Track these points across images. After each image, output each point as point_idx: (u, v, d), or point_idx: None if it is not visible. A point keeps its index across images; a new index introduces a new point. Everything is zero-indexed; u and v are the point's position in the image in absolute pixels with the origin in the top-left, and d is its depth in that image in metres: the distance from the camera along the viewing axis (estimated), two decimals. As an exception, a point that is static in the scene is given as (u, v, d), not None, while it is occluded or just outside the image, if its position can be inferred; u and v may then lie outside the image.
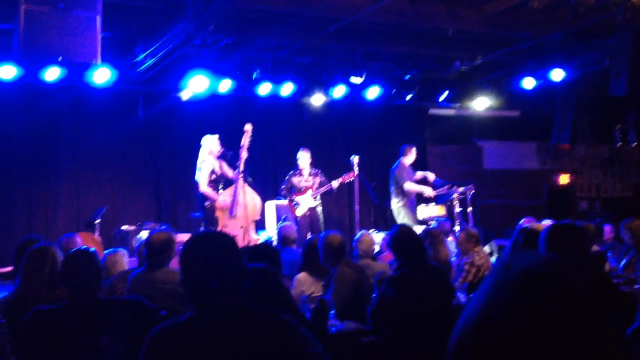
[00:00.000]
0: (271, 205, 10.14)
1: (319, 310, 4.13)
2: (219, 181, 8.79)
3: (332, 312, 4.52)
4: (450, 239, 8.03)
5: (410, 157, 10.25)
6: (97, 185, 10.43)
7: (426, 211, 10.13)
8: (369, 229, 8.47)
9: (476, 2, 8.64)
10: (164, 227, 5.55)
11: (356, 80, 10.13)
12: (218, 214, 8.67)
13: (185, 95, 10.20)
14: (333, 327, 4.38)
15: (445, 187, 10.31)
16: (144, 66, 9.12)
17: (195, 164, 8.83)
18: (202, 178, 8.62)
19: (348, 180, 9.57)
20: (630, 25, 8.06)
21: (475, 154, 13.58)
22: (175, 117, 10.87)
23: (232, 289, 2.28)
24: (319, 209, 9.71)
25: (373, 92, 10.95)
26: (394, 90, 11.07)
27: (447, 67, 10.88)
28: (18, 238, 6.39)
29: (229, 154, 8.72)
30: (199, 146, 8.84)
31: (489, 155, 13.62)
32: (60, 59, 7.05)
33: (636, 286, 5.35)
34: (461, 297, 5.18)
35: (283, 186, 9.75)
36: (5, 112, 9.85)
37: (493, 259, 6.96)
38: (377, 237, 8.44)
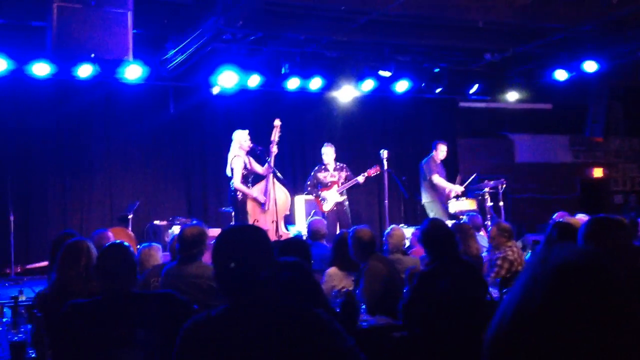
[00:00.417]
0: (300, 200, 10.16)
1: (347, 304, 4.13)
2: (249, 176, 8.83)
3: (363, 307, 4.52)
4: (481, 233, 7.96)
5: (441, 153, 10.19)
6: (129, 180, 10.56)
7: (457, 205, 10.05)
8: (399, 224, 8.44)
9: (507, -7, 8.53)
10: (195, 222, 5.61)
11: (385, 73, 10.08)
12: (249, 208, 8.72)
13: (215, 90, 10.26)
14: (364, 322, 4.38)
15: (472, 177, 10.23)
16: (174, 62, 9.20)
17: (226, 158, 8.88)
18: (235, 173, 8.67)
19: (374, 174, 9.52)
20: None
21: (507, 148, 13.44)
22: (205, 113, 10.96)
23: (265, 282, 2.28)
24: (346, 203, 9.69)
25: (402, 86, 10.89)
26: (424, 83, 11.00)
27: (478, 59, 10.77)
28: (53, 233, 6.51)
29: (258, 149, 8.75)
30: (229, 141, 8.90)
31: (520, 148, 13.47)
32: (92, 55, 7.16)
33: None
34: (494, 292, 5.13)
35: (308, 182, 9.74)
36: (39, 109, 10.01)
37: (526, 254, 6.88)
38: (407, 232, 8.41)
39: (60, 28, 6.69)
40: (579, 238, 3.27)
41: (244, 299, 2.25)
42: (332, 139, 10.26)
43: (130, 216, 9.50)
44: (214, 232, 6.57)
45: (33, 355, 3.38)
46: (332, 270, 5.31)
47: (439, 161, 10.21)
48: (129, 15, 6.86)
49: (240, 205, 8.71)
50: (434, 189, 9.99)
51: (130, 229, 9.28)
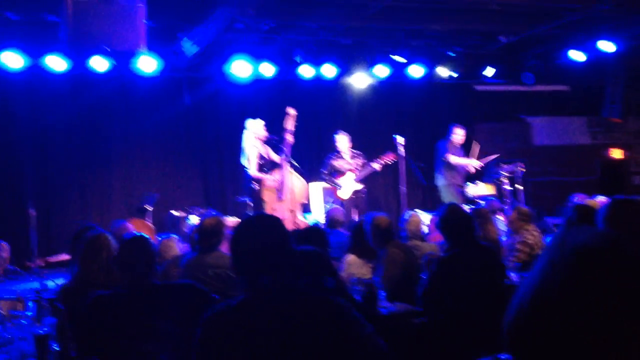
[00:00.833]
0: (317, 188, 10.16)
1: (368, 294, 4.13)
2: (265, 165, 8.85)
3: (382, 294, 4.52)
4: (500, 217, 7.92)
5: (458, 137, 10.13)
6: (147, 172, 10.63)
7: (475, 190, 10.00)
8: (416, 210, 8.42)
9: (521, -26, 8.43)
10: (213, 212, 5.64)
11: (399, 59, 10.02)
12: (266, 197, 8.74)
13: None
14: (384, 308, 4.39)
15: (493, 156, 10.16)
16: (188, 53, 9.21)
17: (241, 147, 8.90)
18: (251, 162, 8.69)
19: (391, 161, 9.46)
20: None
21: (524, 131, 13.32)
22: (220, 102, 10.98)
23: (283, 271, 2.29)
24: (364, 191, 9.67)
25: (417, 71, 10.83)
26: (439, 67, 10.92)
27: (493, 42, 10.67)
28: (74, 226, 6.55)
29: (274, 139, 8.76)
30: (243, 130, 8.91)
31: (538, 131, 13.35)
32: (107, 48, 7.19)
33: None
34: (513, 276, 5.11)
35: (324, 170, 9.73)
36: (56, 103, 10.09)
37: (546, 237, 6.84)
38: (425, 218, 8.38)
39: (74, 22, 6.71)
40: (599, 220, 3.24)
41: (262, 288, 2.26)
42: (347, 126, 10.23)
43: (148, 207, 9.57)
44: (232, 221, 6.61)
45: (57, 348, 3.43)
46: (351, 257, 5.31)
47: (456, 144, 10.15)
48: (142, 7, 6.87)
49: (257, 195, 8.73)
50: (450, 172, 9.93)
51: (149, 220, 9.35)
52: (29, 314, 3.92)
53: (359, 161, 9.58)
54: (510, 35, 10.32)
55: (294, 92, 10.87)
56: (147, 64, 9.12)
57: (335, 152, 9.67)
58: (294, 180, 8.76)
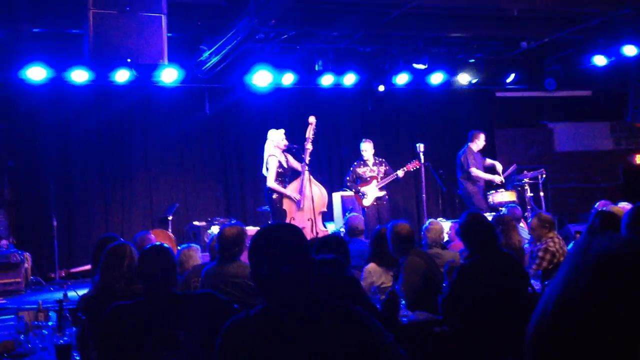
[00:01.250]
0: (337, 197, 10.15)
1: (389, 302, 4.10)
2: (286, 174, 8.86)
3: (403, 302, 4.49)
4: (522, 225, 7.84)
5: (478, 143, 10.07)
6: (168, 182, 10.71)
7: (496, 197, 9.93)
8: (437, 218, 8.37)
9: (542, -20, 8.38)
10: (234, 221, 5.65)
11: (420, 66, 10.01)
12: (286, 207, 8.75)
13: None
14: (404, 317, 4.36)
15: (511, 167, 10.11)
16: (209, 63, 9.29)
17: (262, 157, 8.93)
18: (270, 173, 8.71)
19: (414, 169, 9.48)
20: None
21: (546, 137, 13.21)
22: (241, 112, 11.04)
23: (302, 280, 2.28)
24: (386, 198, 9.65)
25: (437, 78, 10.80)
26: (459, 74, 10.88)
27: (514, 47, 10.61)
28: (96, 236, 6.62)
29: (294, 148, 8.77)
30: (264, 140, 8.94)
31: (560, 137, 13.23)
32: (128, 60, 7.26)
33: None
34: (535, 284, 5.05)
35: (348, 177, 9.73)
36: (79, 114, 10.22)
37: (568, 244, 6.75)
38: (446, 226, 8.34)
39: (96, 34, 6.79)
40: (622, 227, 3.19)
41: (281, 297, 2.26)
42: (368, 134, 10.23)
43: (170, 218, 9.63)
44: (253, 231, 6.61)
45: (78, 358, 3.45)
46: (371, 266, 5.29)
47: (477, 151, 10.09)
48: (163, 19, 6.93)
49: (276, 204, 8.74)
50: (472, 180, 9.88)
51: (170, 230, 9.41)
52: (51, 323, 3.95)
53: (383, 168, 9.57)
54: (532, 41, 10.25)
55: (314, 101, 10.90)
56: (168, 75, 9.20)
57: (360, 159, 9.67)
58: (313, 189, 8.76)
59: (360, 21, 8.82)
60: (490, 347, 4.03)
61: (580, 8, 8.99)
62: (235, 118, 11.09)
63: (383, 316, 3.90)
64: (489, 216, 6.40)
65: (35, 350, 3.66)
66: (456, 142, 11.02)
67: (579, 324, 1.01)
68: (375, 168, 9.58)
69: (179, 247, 6.35)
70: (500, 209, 8.97)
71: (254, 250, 2.35)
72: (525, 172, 10.13)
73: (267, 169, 8.78)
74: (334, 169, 11.56)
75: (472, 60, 10.88)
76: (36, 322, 3.95)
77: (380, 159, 9.68)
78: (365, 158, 9.62)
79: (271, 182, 8.70)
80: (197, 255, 5.78)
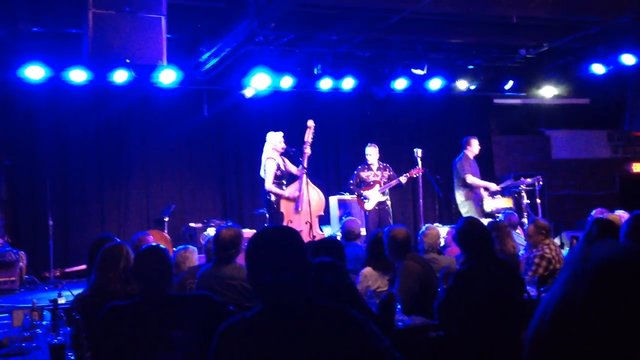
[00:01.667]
0: (334, 201, 10.16)
1: (386, 303, 4.10)
2: (283, 177, 8.86)
3: (399, 307, 4.49)
4: (518, 231, 7.85)
5: (472, 149, 10.07)
6: (165, 183, 10.70)
7: (493, 204, 9.94)
8: (433, 223, 8.38)
9: (541, -13, 8.39)
10: (230, 223, 5.64)
11: (418, 72, 10.02)
12: (283, 209, 8.75)
13: (248, 92, 10.32)
14: (400, 322, 4.35)
15: (508, 181, 10.13)
16: (208, 65, 9.29)
17: (260, 160, 8.93)
18: (267, 175, 8.71)
19: (416, 175, 9.48)
20: None
21: (543, 144, 13.24)
22: (239, 115, 11.04)
23: (299, 283, 2.27)
24: (389, 203, 9.65)
25: (436, 83, 10.81)
26: (458, 80, 10.89)
27: (512, 55, 10.63)
28: (92, 237, 6.61)
29: (291, 151, 8.77)
30: (263, 142, 8.94)
31: (557, 144, 13.26)
32: (127, 61, 7.26)
33: None
34: (531, 291, 5.05)
35: (351, 181, 9.73)
36: (77, 114, 10.21)
37: (564, 251, 6.76)
38: (443, 231, 8.34)
39: (95, 35, 6.78)
40: (621, 235, 3.19)
41: (277, 300, 2.25)
42: (366, 139, 10.24)
43: (166, 219, 9.61)
44: (249, 233, 6.60)
45: (72, 358, 3.44)
46: (367, 270, 5.28)
47: (472, 158, 10.10)
48: (163, 20, 6.93)
49: (274, 207, 8.74)
50: (468, 187, 9.89)
51: (166, 231, 9.39)
52: (45, 323, 3.94)
53: (387, 174, 9.58)
54: (530, 48, 10.27)
55: (312, 104, 10.91)
56: (167, 76, 9.20)
57: (364, 163, 9.68)
58: (311, 192, 8.76)
59: (360, 26, 8.84)
60: (486, 352, 4.03)
61: (580, 16, 9.02)
62: (234, 120, 11.09)
63: (379, 318, 3.89)
64: (485, 222, 6.40)
65: (29, 350, 3.65)
66: (453, 148, 11.04)
67: (578, 331, 1.01)
68: (379, 173, 9.58)
69: (174, 249, 6.34)
70: (497, 215, 8.97)
71: (252, 253, 2.34)
72: (522, 178, 10.14)
73: (264, 171, 8.78)
74: (331, 172, 11.56)
75: (471, 67, 10.89)
76: (30, 321, 3.94)
77: (385, 164, 9.68)
78: (369, 162, 9.62)
79: (269, 185, 8.69)
80: (194, 257, 5.77)
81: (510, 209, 9.38)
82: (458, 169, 9.99)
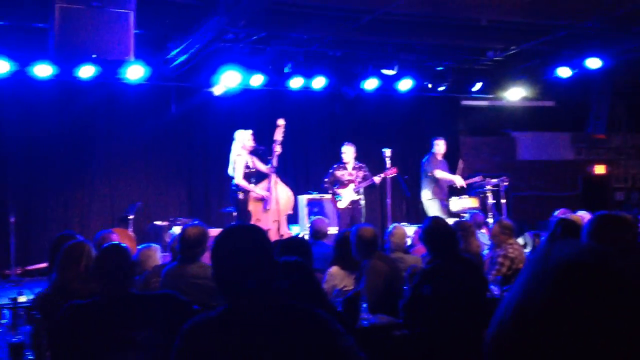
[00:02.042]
0: (302, 200, 10.15)
1: (351, 300, 4.11)
2: (252, 176, 8.82)
3: (364, 305, 4.50)
4: (483, 231, 7.94)
5: (439, 149, 10.17)
6: (130, 181, 10.56)
7: (459, 203, 10.03)
8: (400, 222, 8.42)
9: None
10: (196, 222, 5.59)
11: (389, 72, 10.06)
12: (251, 208, 8.71)
13: (217, 90, 10.26)
14: (365, 320, 4.36)
15: (477, 177, 10.23)
16: (176, 62, 9.21)
17: (228, 158, 8.88)
18: (237, 171, 8.66)
19: (391, 176, 9.51)
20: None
21: (509, 145, 13.42)
22: (208, 112, 10.95)
23: (265, 282, 2.26)
24: (362, 202, 9.68)
25: (405, 84, 10.87)
26: (427, 82, 10.97)
27: (481, 57, 10.75)
28: (53, 234, 6.49)
29: (260, 149, 8.75)
30: (231, 141, 8.89)
31: (523, 146, 13.45)
32: (94, 56, 7.15)
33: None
34: (494, 289, 5.11)
35: (326, 179, 9.72)
36: (41, 110, 10.02)
37: (527, 251, 6.85)
38: (409, 230, 8.39)
39: (62, 29, 6.68)
40: (583, 235, 3.24)
41: (243, 299, 2.24)
42: (336, 138, 10.25)
43: (131, 217, 9.49)
44: (215, 232, 6.55)
45: (31, 357, 3.37)
46: (334, 269, 5.29)
47: (440, 158, 10.19)
48: (131, 15, 6.85)
49: (242, 205, 8.70)
50: (435, 186, 9.97)
51: (131, 229, 9.28)
52: (4, 321, 3.86)
53: (362, 173, 9.58)
54: (498, 51, 10.39)
55: (283, 103, 10.88)
56: (134, 72, 9.09)
57: (340, 162, 9.68)
58: (280, 191, 8.74)
59: (331, 25, 8.85)
60: (450, 351, 4.06)
61: (548, 20, 9.15)
62: (202, 118, 11.00)
63: (343, 316, 3.90)
64: (451, 222, 6.46)
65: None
66: (422, 148, 11.11)
67: (538, 330, 1.01)
68: (354, 172, 9.58)
69: (138, 247, 6.26)
70: (463, 215, 9.06)
71: (217, 251, 2.32)
72: (488, 179, 10.26)
73: (233, 169, 8.73)
74: (300, 171, 11.54)
75: (440, 68, 10.98)
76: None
77: (360, 164, 9.68)
78: (345, 161, 9.62)
79: (239, 180, 8.64)
80: (157, 255, 5.70)
81: (476, 208, 9.49)
82: (426, 167, 10.08)
